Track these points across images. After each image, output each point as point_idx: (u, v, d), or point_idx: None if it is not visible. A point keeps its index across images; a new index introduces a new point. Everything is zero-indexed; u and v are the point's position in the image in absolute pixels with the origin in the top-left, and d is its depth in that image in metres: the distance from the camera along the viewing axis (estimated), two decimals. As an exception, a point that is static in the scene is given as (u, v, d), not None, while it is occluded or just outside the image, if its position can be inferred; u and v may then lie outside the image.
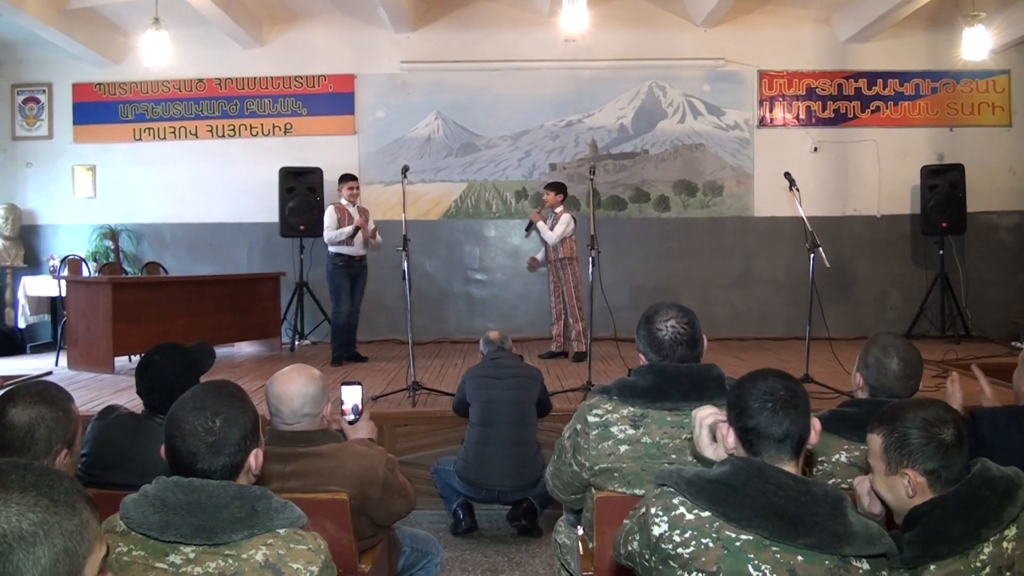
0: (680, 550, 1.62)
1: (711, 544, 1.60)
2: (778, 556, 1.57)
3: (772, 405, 1.71)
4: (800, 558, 1.57)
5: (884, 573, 1.61)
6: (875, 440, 1.91)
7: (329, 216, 7.06)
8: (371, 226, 7.16)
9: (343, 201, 7.11)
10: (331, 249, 7.06)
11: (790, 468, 1.71)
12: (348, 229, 6.94)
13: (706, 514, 1.63)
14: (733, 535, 1.60)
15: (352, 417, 2.80)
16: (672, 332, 2.37)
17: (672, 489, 1.70)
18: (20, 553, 1.05)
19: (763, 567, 1.56)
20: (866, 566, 1.59)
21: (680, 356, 2.38)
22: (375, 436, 2.82)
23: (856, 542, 1.57)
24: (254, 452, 1.81)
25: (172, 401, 2.69)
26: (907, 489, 1.84)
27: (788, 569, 1.56)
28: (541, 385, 4.69)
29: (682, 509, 1.66)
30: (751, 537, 1.59)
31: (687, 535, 1.63)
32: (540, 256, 7.47)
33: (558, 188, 7.29)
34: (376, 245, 7.25)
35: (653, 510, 1.69)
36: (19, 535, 1.05)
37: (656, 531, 1.67)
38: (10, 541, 1.04)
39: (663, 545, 1.65)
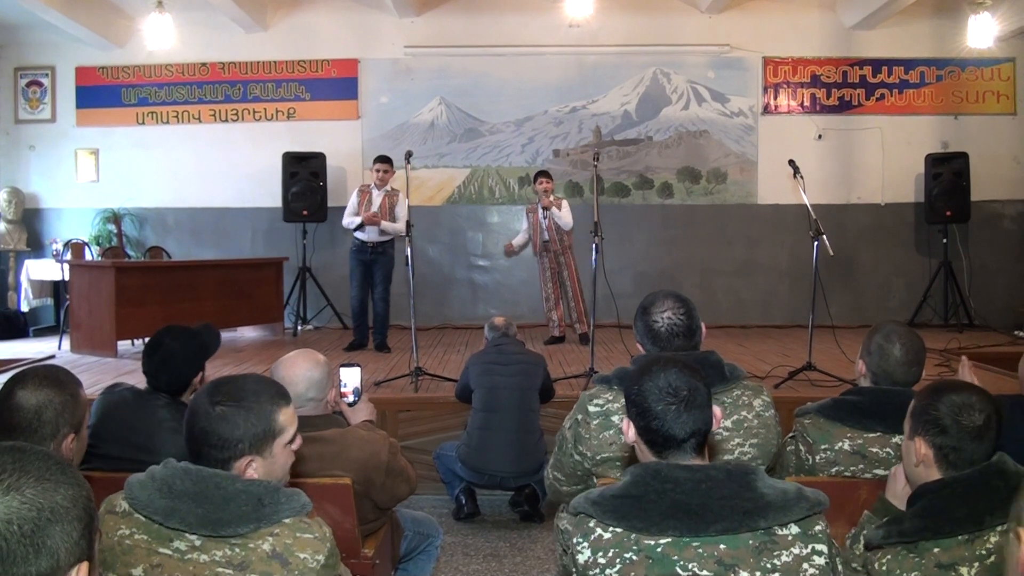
0: (608, 571, 1.57)
1: (635, 557, 1.55)
2: (700, 551, 1.53)
3: (676, 406, 1.64)
4: (722, 546, 1.53)
5: (819, 527, 1.56)
6: (912, 402, 1.94)
7: (351, 199, 7.07)
8: (400, 207, 6.86)
9: (372, 184, 7.01)
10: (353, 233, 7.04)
11: (696, 461, 1.66)
12: (356, 220, 6.86)
13: (620, 529, 1.59)
14: (652, 542, 1.55)
15: (352, 399, 2.81)
16: (668, 323, 2.35)
17: (584, 514, 1.65)
18: (57, 527, 1.05)
19: (691, 565, 1.52)
20: (795, 530, 1.55)
21: (677, 347, 2.34)
22: (374, 418, 2.83)
23: (770, 512, 1.53)
24: (249, 460, 1.72)
25: (179, 383, 2.72)
26: (915, 457, 1.87)
27: (715, 560, 1.52)
28: (544, 372, 4.71)
29: (599, 530, 1.60)
30: (669, 539, 1.55)
31: (611, 554, 1.57)
32: (518, 243, 7.52)
33: (550, 175, 7.29)
34: (395, 231, 6.91)
35: (575, 540, 1.63)
36: (53, 508, 1.05)
37: (581, 558, 1.61)
38: (48, 515, 1.04)
39: (590, 572, 1.59)
